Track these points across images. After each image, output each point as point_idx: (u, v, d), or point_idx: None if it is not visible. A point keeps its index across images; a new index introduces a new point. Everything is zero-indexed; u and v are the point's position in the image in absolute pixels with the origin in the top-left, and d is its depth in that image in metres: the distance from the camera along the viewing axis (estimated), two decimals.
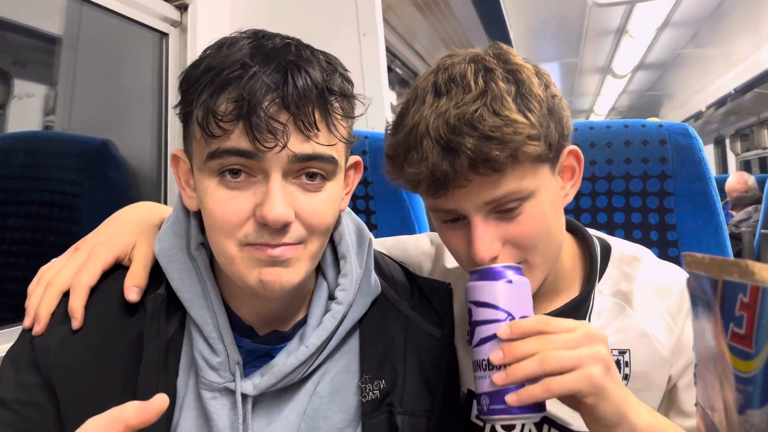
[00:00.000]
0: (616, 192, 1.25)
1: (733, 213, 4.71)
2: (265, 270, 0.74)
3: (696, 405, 0.48)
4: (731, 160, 8.52)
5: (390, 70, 3.61)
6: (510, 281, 0.76)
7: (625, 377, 0.88)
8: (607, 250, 0.96)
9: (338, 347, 0.86)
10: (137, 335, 0.79)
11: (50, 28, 1.76)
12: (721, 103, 6.80)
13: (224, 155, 0.71)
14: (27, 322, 0.80)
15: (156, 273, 0.83)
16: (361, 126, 1.78)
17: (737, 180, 5.24)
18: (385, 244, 1.13)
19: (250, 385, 0.79)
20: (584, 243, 0.97)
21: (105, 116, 1.65)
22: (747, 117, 7.46)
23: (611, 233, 1.25)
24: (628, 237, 1.24)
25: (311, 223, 0.75)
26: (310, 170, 0.74)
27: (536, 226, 0.82)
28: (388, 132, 0.88)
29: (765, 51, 5.39)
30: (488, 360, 0.73)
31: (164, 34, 1.58)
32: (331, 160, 0.75)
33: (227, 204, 0.73)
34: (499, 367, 0.72)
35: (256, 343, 0.83)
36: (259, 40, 0.74)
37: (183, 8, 1.59)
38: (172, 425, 0.78)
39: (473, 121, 0.76)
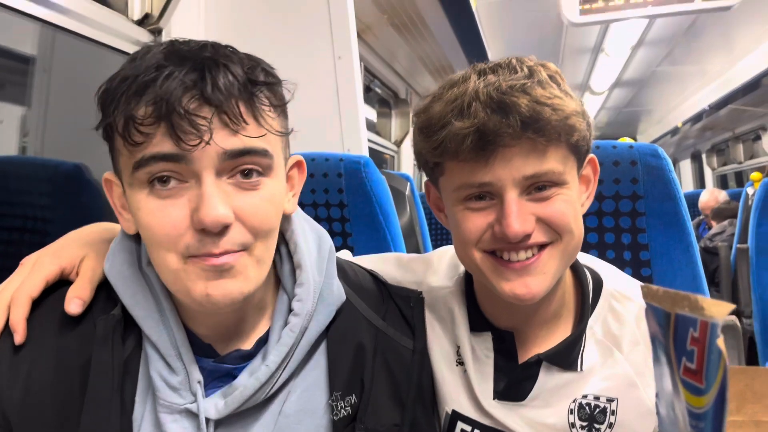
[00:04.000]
0: (589, 212, 1.25)
1: (713, 224, 4.77)
2: (212, 283, 0.70)
3: None
4: (708, 175, 8.64)
5: (369, 89, 3.63)
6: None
7: (610, 426, 0.86)
8: (598, 284, 0.95)
9: (305, 362, 0.83)
10: (86, 362, 0.74)
11: (24, 50, 1.74)
12: (696, 118, 6.92)
13: (150, 162, 0.67)
14: None
15: (109, 294, 0.79)
16: (336, 148, 1.79)
17: (708, 197, 5.34)
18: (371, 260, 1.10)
19: (212, 408, 0.75)
20: (576, 275, 0.96)
21: (78, 139, 1.64)
22: (722, 132, 7.59)
23: (585, 252, 1.26)
24: (602, 257, 1.25)
25: (253, 224, 0.72)
26: (243, 167, 0.71)
27: (567, 210, 0.82)
28: (419, 111, 0.87)
29: (738, 67, 5.50)
30: None
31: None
32: (265, 154, 0.72)
33: (161, 214, 0.69)
34: None
35: (217, 362, 0.79)
36: (174, 45, 0.72)
37: (157, 32, 1.59)
38: None
39: (525, 88, 0.78)
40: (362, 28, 3.04)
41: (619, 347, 0.89)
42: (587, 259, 1.01)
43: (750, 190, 4.17)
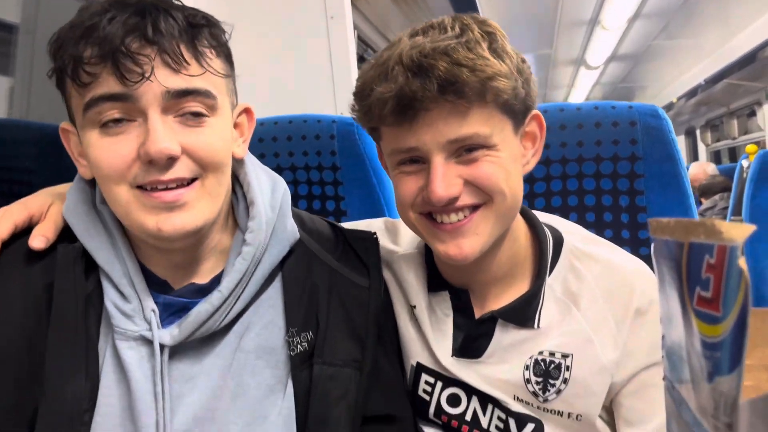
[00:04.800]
0: (586, 174, 1.23)
1: (702, 201, 4.77)
2: (162, 217, 0.74)
3: (664, 379, 0.46)
4: (702, 151, 8.64)
5: (362, 59, 3.57)
6: None
7: (564, 381, 0.87)
8: (558, 241, 0.94)
9: (259, 297, 0.85)
10: (50, 289, 0.77)
11: (7, 16, 1.70)
12: (691, 94, 6.88)
13: (99, 102, 0.71)
14: None
15: (72, 235, 0.81)
16: (329, 110, 1.75)
17: (697, 170, 5.34)
18: None
19: (167, 335, 0.78)
20: (535, 233, 0.95)
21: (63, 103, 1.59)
22: (717, 108, 7.57)
23: (582, 216, 1.24)
24: (599, 220, 1.23)
25: (200, 156, 0.75)
26: (189, 108, 0.74)
27: (495, 172, 0.82)
28: (357, 77, 0.87)
29: (734, 42, 5.46)
30: None
31: None
32: (208, 95, 0.75)
33: (110, 150, 0.72)
34: None
35: (172, 296, 0.82)
36: None
37: None
38: (100, 382, 0.76)
39: (447, 50, 0.76)
40: None
41: (577, 304, 0.89)
42: (551, 219, 1.01)
43: (745, 163, 4.17)
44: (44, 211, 0.84)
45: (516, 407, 0.89)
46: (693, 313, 0.36)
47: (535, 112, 0.89)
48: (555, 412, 0.87)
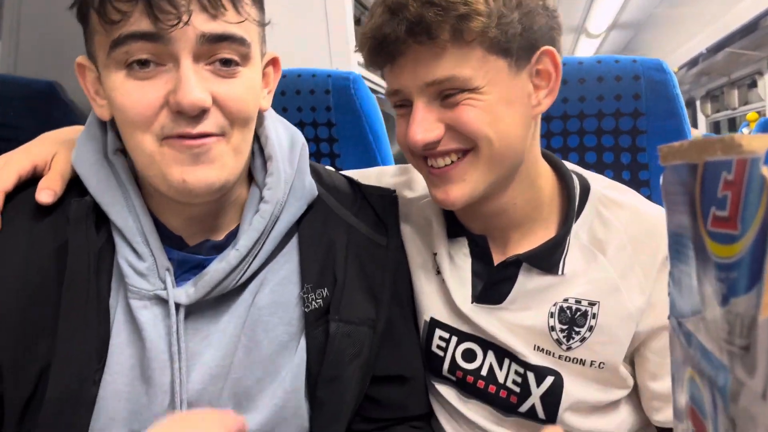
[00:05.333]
0: (587, 131, 1.20)
1: None
2: (187, 169, 0.70)
3: (669, 317, 0.44)
4: (701, 122, 8.59)
5: (359, 22, 3.50)
6: None
7: (590, 329, 0.85)
8: (586, 188, 0.91)
9: (275, 255, 0.83)
10: (61, 245, 0.73)
11: None
12: (692, 63, 6.81)
13: (127, 41, 0.66)
14: None
15: (82, 189, 0.77)
16: (324, 65, 1.71)
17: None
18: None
19: (182, 294, 0.75)
20: (563, 179, 0.92)
21: (52, 57, 1.55)
22: (718, 78, 7.50)
23: None
24: None
25: (230, 110, 0.71)
26: (222, 55, 0.70)
27: (478, 117, 0.79)
28: None
29: (737, 10, 5.38)
30: None
31: None
32: (243, 42, 0.71)
33: (137, 95, 0.68)
34: None
35: (187, 253, 0.79)
36: None
37: None
38: (110, 339, 0.74)
39: None
40: None
41: (604, 251, 0.87)
42: (576, 168, 0.98)
43: (746, 131, 4.14)
44: (48, 161, 0.79)
45: (534, 360, 0.87)
46: (707, 235, 0.33)
47: (545, 48, 0.82)
48: (577, 361, 0.86)
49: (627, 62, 1.18)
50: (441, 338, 0.93)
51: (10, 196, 0.76)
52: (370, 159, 1.34)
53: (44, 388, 0.70)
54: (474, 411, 0.92)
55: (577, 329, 0.86)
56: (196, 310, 0.77)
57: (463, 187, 0.82)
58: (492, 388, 0.90)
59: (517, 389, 0.88)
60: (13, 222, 0.75)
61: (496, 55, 0.78)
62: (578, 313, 0.86)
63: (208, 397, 0.76)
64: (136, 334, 0.74)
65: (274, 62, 0.85)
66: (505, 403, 0.89)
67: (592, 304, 0.85)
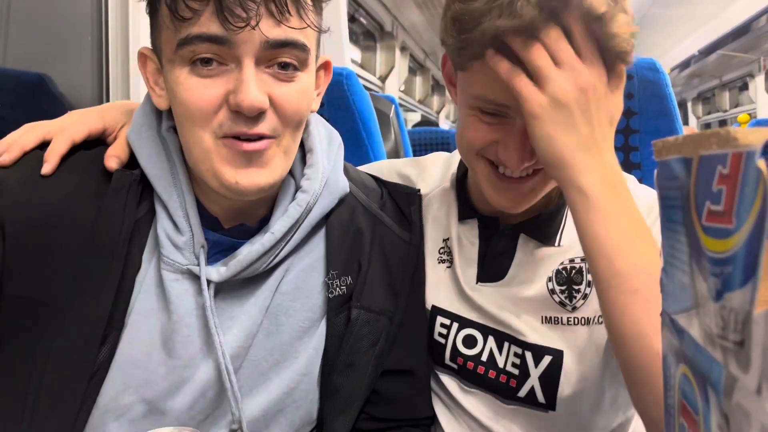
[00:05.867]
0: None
1: None
2: (241, 171, 0.73)
3: (661, 314, 0.44)
4: (693, 123, 8.64)
5: (354, 20, 3.50)
6: None
7: (588, 284, 0.87)
8: None
9: (303, 243, 0.85)
10: (97, 208, 0.76)
11: None
12: (684, 65, 6.86)
13: (195, 41, 0.69)
14: None
15: (134, 162, 0.80)
16: None
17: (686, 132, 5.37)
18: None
19: (214, 272, 0.77)
20: None
21: (41, 49, 1.54)
22: (709, 80, 7.55)
23: None
24: None
25: (286, 112, 0.74)
26: (282, 59, 0.73)
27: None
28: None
29: (729, 12, 5.42)
30: None
31: None
32: (303, 48, 0.73)
33: (200, 91, 0.71)
34: None
35: (222, 235, 0.81)
36: None
37: None
38: (129, 307, 0.75)
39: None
40: None
41: None
42: None
43: None
44: (116, 129, 0.83)
45: (535, 338, 0.88)
46: (701, 230, 0.33)
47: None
48: (585, 321, 0.87)
49: None
50: (442, 325, 0.95)
51: (74, 149, 0.79)
52: (362, 155, 1.34)
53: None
54: (474, 402, 0.93)
55: (576, 287, 0.88)
56: (223, 290, 0.79)
57: (531, 197, 0.86)
58: (492, 374, 0.91)
59: (515, 371, 0.89)
60: (69, 170, 0.77)
61: None
62: (573, 271, 0.88)
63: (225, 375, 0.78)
64: (162, 305, 0.76)
65: (326, 66, 0.87)
66: (504, 388, 0.90)
67: (584, 259, 0.87)
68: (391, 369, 0.89)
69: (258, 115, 0.72)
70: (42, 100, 1.44)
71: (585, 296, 0.87)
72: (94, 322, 0.73)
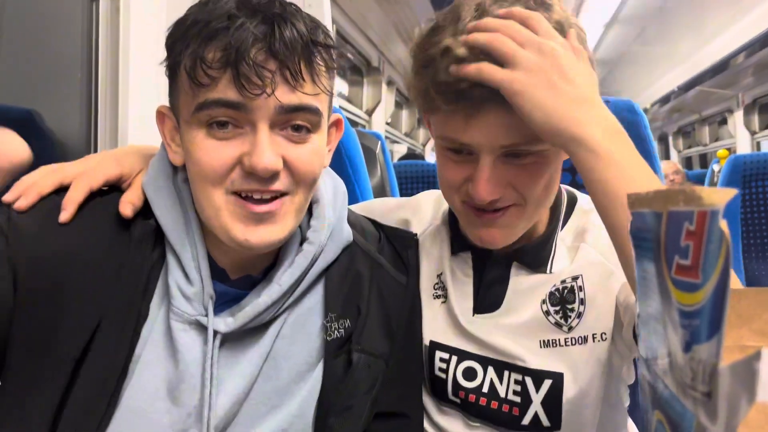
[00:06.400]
0: (563, 169, 1.23)
1: None
2: (251, 229, 0.75)
3: (639, 358, 0.45)
4: (674, 157, 8.78)
5: (341, 55, 3.56)
6: None
7: (581, 302, 0.89)
8: (573, 200, 1.00)
9: (306, 291, 0.86)
10: (119, 259, 0.77)
11: None
12: (665, 100, 6.99)
13: (212, 106, 0.71)
14: (10, 196, 0.77)
15: (147, 208, 0.82)
16: None
17: (666, 165, 5.43)
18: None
19: (221, 323, 0.79)
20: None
21: (30, 85, 1.55)
22: (689, 114, 7.70)
23: None
24: None
25: (299, 172, 0.76)
26: (296, 122, 0.75)
27: (542, 180, 0.84)
28: (421, 37, 0.87)
29: (708, 49, 5.55)
30: None
31: None
32: (316, 112, 0.76)
33: (215, 153, 0.73)
34: None
35: (229, 286, 0.83)
36: None
37: None
38: (134, 356, 0.76)
39: None
40: None
41: (585, 240, 0.93)
42: (568, 187, 1.05)
43: (716, 167, 4.24)
44: (133, 175, 0.85)
45: (535, 363, 0.89)
46: (671, 282, 0.35)
47: None
48: (582, 340, 0.89)
49: None
50: (441, 360, 0.95)
51: (90, 195, 0.80)
52: (349, 193, 1.34)
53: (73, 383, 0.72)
54: None
55: (570, 306, 0.89)
56: (229, 339, 0.80)
57: (509, 232, 0.89)
58: (494, 404, 0.91)
59: (517, 399, 0.90)
60: (85, 218, 0.78)
61: None
62: (566, 291, 0.90)
63: (225, 421, 0.79)
64: (169, 354, 0.77)
65: (337, 123, 0.91)
66: (508, 419, 0.91)
67: (575, 278, 0.90)
68: (385, 411, 0.89)
69: (272, 176, 0.74)
70: (31, 135, 1.44)
71: (579, 315, 0.89)
72: (109, 374, 0.73)
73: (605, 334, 0.88)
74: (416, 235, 1.02)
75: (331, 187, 0.93)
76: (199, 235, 0.81)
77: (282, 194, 0.77)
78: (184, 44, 0.73)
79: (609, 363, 0.89)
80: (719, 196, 0.31)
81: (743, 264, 2.81)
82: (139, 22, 1.43)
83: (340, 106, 3.23)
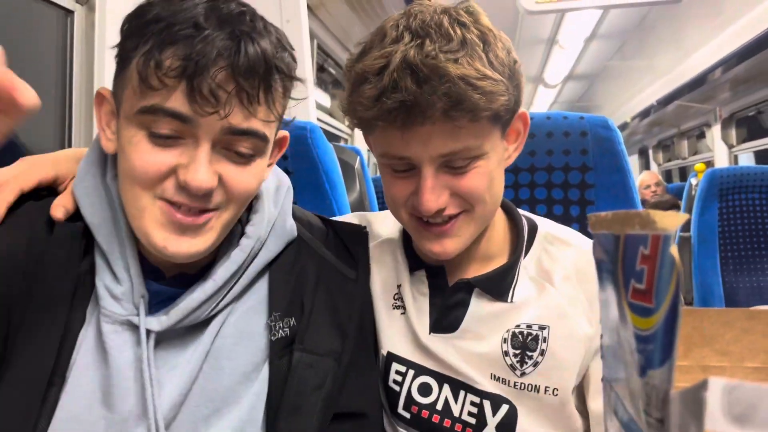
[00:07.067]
0: (538, 184, 1.24)
1: None
2: (171, 237, 0.73)
3: (602, 380, 0.45)
4: (654, 170, 8.87)
5: (323, 69, 3.56)
6: None
7: (542, 353, 0.88)
8: (533, 228, 0.99)
9: (247, 288, 0.84)
10: (44, 262, 0.75)
11: None
12: (644, 114, 7.07)
13: (159, 114, 0.68)
14: None
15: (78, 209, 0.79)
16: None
17: (646, 177, 5.48)
18: None
19: (155, 321, 0.76)
20: (513, 220, 1.00)
21: None
22: (669, 129, 7.79)
23: None
24: None
25: (234, 192, 0.74)
26: (240, 149, 0.73)
27: (482, 183, 0.84)
28: (351, 60, 0.86)
29: (686, 64, 5.64)
30: None
31: (69, 12, 1.46)
32: (263, 138, 0.74)
33: (150, 157, 0.70)
34: None
35: (165, 285, 0.80)
36: (216, 2, 0.71)
37: None
38: (70, 361, 0.74)
39: (457, 66, 0.76)
40: (315, 4, 2.97)
41: (551, 282, 0.92)
42: (528, 213, 1.05)
43: (694, 181, 4.29)
44: (68, 179, 0.82)
45: (490, 387, 0.89)
46: (628, 306, 0.35)
47: (520, 111, 0.90)
48: (532, 387, 0.88)
49: (574, 118, 1.22)
50: (397, 372, 0.94)
51: (23, 198, 0.78)
52: (326, 208, 1.35)
53: None
54: None
55: (529, 353, 0.88)
56: (165, 339, 0.78)
57: (458, 241, 0.88)
58: (447, 422, 0.90)
59: (472, 421, 0.89)
60: (18, 222, 0.76)
61: (493, 123, 0.83)
62: (530, 338, 0.89)
63: (165, 423, 0.75)
64: (101, 357, 0.74)
65: (282, 141, 0.87)
66: None
67: (542, 328, 0.89)
68: (342, 412, 0.86)
69: (205, 194, 0.72)
70: (4, 150, 1.42)
71: (536, 364, 0.88)
72: (36, 378, 0.71)
73: (557, 390, 0.87)
74: (365, 228, 1.01)
75: (273, 181, 0.91)
76: (128, 234, 0.77)
77: (212, 209, 0.74)
78: (141, 39, 0.69)
79: (561, 415, 0.88)
80: (671, 220, 0.31)
81: (721, 277, 2.83)
82: (114, 36, 1.42)
83: (319, 119, 3.23)
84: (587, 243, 0.96)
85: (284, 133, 0.87)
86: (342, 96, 0.88)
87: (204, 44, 0.67)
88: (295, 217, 0.92)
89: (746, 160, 5.82)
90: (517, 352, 0.89)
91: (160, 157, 0.70)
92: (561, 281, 0.91)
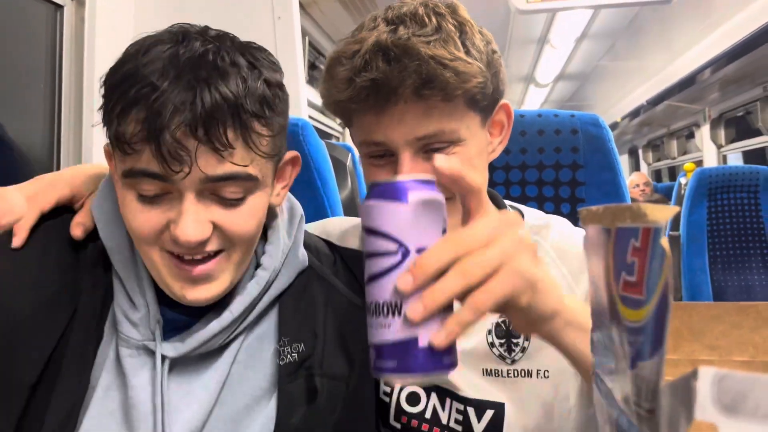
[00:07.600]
0: (529, 182, 1.24)
1: None
2: (188, 288, 0.74)
3: (592, 373, 0.45)
4: (644, 170, 8.92)
5: (314, 67, 3.55)
6: (408, 202, 0.54)
7: (527, 338, 0.89)
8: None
9: (260, 316, 0.84)
10: (74, 282, 0.77)
11: None
12: (634, 114, 7.10)
13: (138, 175, 0.69)
14: None
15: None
16: None
17: (636, 178, 5.52)
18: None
19: (170, 347, 0.77)
20: (499, 210, 0.99)
21: None
22: (658, 128, 7.83)
23: None
24: None
25: (231, 235, 0.74)
26: (225, 194, 0.71)
27: (472, 163, 0.84)
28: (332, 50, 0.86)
29: (676, 64, 5.67)
30: (387, 301, 0.54)
31: (59, 7, 1.45)
32: (249, 178, 0.72)
33: (142, 216, 0.71)
34: (399, 309, 0.53)
35: (179, 313, 0.81)
36: (178, 47, 0.69)
37: None
38: (91, 381, 0.75)
39: (429, 47, 0.76)
40: (307, 1, 2.96)
41: None
42: (517, 204, 1.05)
43: (683, 180, 4.32)
44: (84, 197, 0.83)
45: (473, 394, 0.88)
46: (619, 299, 0.35)
47: (502, 102, 0.90)
48: (525, 373, 0.88)
49: (565, 116, 1.23)
50: (386, 383, 0.94)
51: (43, 217, 0.80)
52: (318, 205, 1.34)
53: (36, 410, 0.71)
54: None
55: (514, 340, 0.89)
56: (180, 365, 0.78)
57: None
58: (436, 431, 0.91)
59: (459, 428, 0.89)
60: (40, 243, 0.78)
61: (472, 110, 0.83)
62: (512, 325, 0.88)
63: None
64: (121, 380, 0.76)
65: (294, 160, 0.86)
66: None
67: None
68: None
69: (199, 244, 0.71)
70: None
71: (523, 350, 0.89)
72: (73, 400, 0.72)
73: (548, 372, 0.87)
74: None
75: (287, 210, 0.91)
76: (143, 262, 0.78)
77: (217, 252, 0.74)
78: (110, 102, 0.69)
79: (555, 399, 0.88)
80: (662, 213, 0.31)
81: (710, 275, 2.86)
82: (104, 32, 1.41)
83: (310, 117, 3.23)
84: (564, 221, 0.98)
85: (294, 153, 0.85)
86: (322, 87, 0.88)
87: (160, 102, 0.65)
88: (305, 245, 0.92)
89: (735, 159, 5.86)
90: (503, 341, 0.89)
91: (151, 215, 0.71)
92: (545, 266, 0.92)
